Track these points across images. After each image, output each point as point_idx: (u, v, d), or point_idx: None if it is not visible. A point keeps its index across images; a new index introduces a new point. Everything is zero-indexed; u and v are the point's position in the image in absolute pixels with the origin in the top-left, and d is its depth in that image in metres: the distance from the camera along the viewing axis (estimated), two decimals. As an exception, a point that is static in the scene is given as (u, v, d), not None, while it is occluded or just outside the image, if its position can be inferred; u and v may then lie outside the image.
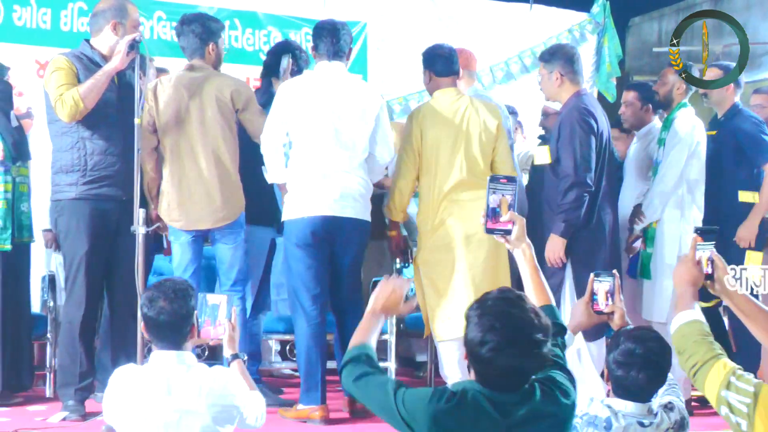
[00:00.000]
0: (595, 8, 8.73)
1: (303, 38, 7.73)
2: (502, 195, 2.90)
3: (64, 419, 5.08)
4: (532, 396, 2.57)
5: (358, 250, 5.39)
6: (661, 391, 3.26)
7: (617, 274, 3.47)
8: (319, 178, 5.21)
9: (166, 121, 5.27)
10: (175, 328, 3.34)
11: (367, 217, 5.33)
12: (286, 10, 7.83)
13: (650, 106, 6.19)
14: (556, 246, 5.29)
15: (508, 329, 2.50)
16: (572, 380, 2.69)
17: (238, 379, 3.40)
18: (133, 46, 5.02)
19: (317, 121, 5.22)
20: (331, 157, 5.21)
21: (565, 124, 5.39)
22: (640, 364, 3.10)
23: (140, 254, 4.90)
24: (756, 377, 2.90)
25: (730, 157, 5.73)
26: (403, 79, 7.68)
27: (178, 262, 5.37)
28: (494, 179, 2.96)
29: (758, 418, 2.77)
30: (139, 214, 4.90)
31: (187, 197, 5.26)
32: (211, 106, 5.26)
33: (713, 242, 3.22)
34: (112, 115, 5.15)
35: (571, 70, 5.50)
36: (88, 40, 5.31)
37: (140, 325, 4.78)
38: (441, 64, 5.44)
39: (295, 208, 5.24)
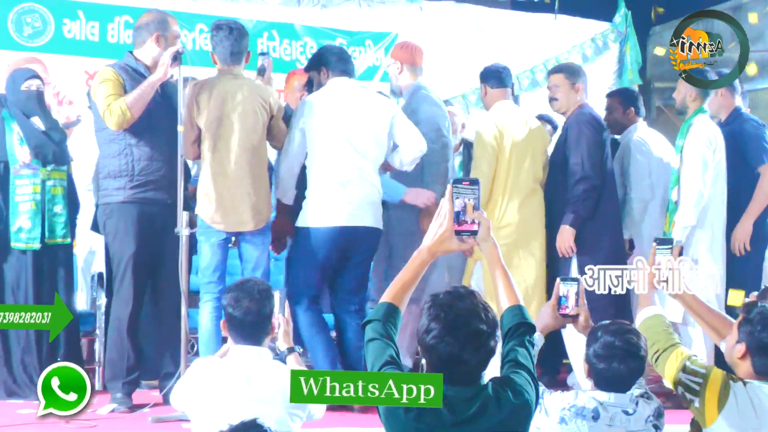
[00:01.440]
0: (618, 18, 8.92)
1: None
2: (466, 198, 2.85)
3: (112, 411, 5.19)
4: (484, 395, 2.60)
5: (368, 256, 5.53)
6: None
7: (582, 279, 3.62)
8: (338, 186, 5.30)
9: (210, 127, 5.29)
10: (258, 326, 3.50)
11: (380, 225, 5.46)
12: (321, 22, 8.06)
13: (633, 109, 6.28)
14: (565, 236, 5.62)
15: (450, 318, 2.59)
16: (534, 381, 2.69)
17: None
18: (176, 57, 5.16)
19: (334, 132, 5.32)
20: (349, 165, 5.31)
21: (572, 126, 5.75)
22: (620, 355, 3.22)
23: (183, 255, 5.06)
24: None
25: (730, 160, 5.73)
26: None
27: (207, 263, 5.33)
28: (457, 182, 2.88)
29: (708, 395, 3.20)
30: (183, 216, 5.07)
31: (230, 200, 5.27)
32: (254, 112, 5.31)
33: (670, 248, 3.60)
34: (156, 123, 5.28)
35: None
36: (131, 52, 5.46)
37: (184, 322, 5.06)
38: (493, 79, 5.90)
39: (314, 217, 5.31)
